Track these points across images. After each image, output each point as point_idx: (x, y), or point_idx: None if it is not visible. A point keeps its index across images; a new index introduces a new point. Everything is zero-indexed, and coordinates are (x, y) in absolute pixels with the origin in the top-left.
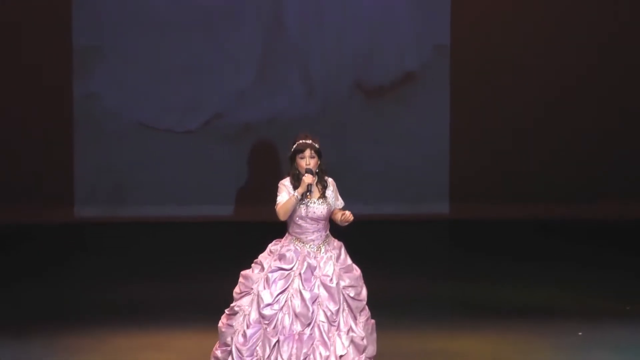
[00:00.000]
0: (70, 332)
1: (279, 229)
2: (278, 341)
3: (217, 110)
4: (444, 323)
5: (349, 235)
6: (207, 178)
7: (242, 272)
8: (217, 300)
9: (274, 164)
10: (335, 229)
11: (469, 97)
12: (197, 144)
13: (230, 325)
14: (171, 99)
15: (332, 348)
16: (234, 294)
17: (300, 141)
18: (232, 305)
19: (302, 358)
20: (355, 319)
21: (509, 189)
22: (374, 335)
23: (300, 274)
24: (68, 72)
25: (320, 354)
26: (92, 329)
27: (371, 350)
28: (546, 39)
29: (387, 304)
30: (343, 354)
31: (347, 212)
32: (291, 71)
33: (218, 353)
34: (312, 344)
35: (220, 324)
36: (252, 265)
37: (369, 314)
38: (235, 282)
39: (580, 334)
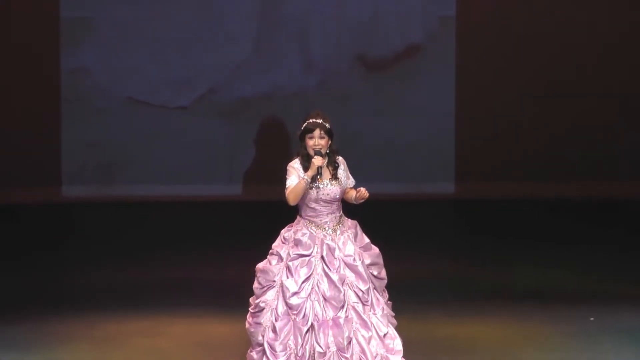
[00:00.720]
0: (58, 318)
1: (277, 208)
2: (312, 328)
3: (211, 84)
4: (449, 307)
5: (348, 215)
6: (201, 156)
7: (258, 266)
8: (211, 284)
9: (271, 141)
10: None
11: (476, 71)
12: (191, 120)
13: (259, 323)
14: (164, 73)
15: (373, 329)
16: (255, 290)
17: (311, 120)
18: (255, 302)
19: (345, 343)
20: (380, 297)
21: (516, 167)
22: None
23: (322, 257)
24: (56, 45)
25: (362, 336)
26: (81, 314)
27: (391, 330)
28: (555, 10)
29: (389, 287)
30: (386, 332)
31: (362, 189)
32: (289, 43)
33: (254, 355)
34: (352, 326)
35: (247, 324)
36: (268, 257)
37: (387, 295)
38: (230, 264)
39: (592, 319)
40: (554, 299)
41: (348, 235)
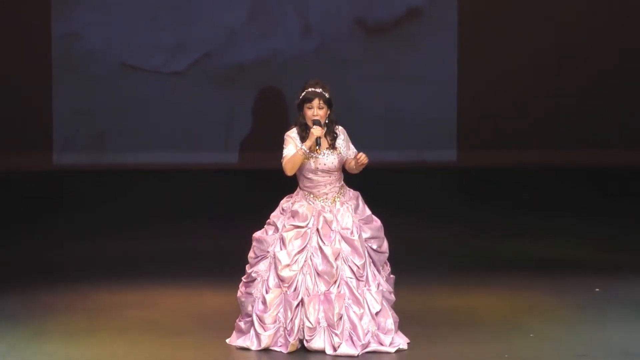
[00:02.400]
0: (50, 289)
1: (274, 177)
2: (302, 303)
3: (206, 49)
4: (452, 278)
5: (347, 184)
6: (196, 123)
7: (255, 235)
8: (207, 254)
9: (267, 108)
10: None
11: (479, 36)
12: (185, 86)
13: (250, 294)
14: (157, 37)
15: (366, 305)
16: (249, 259)
17: (310, 89)
18: (248, 271)
19: (335, 319)
20: (379, 273)
21: (520, 135)
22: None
23: (318, 229)
24: (46, 9)
25: (354, 312)
26: (73, 285)
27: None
28: None
29: (390, 258)
30: (378, 310)
31: (361, 155)
32: (286, 7)
33: (241, 325)
34: (344, 302)
35: (239, 293)
36: (265, 226)
37: (390, 268)
38: (226, 234)
39: (597, 290)
40: (559, 270)
41: (348, 207)
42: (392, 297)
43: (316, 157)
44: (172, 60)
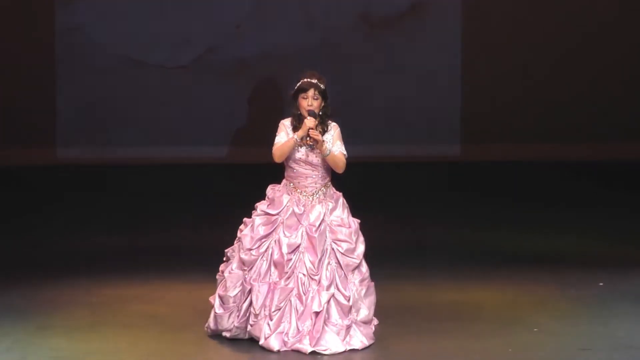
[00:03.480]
0: (54, 283)
1: (276, 172)
2: (251, 289)
3: (210, 44)
4: (455, 272)
5: (350, 178)
6: (199, 117)
7: (244, 219)
8: (210, 248)
9: (271, 102)
10: (337, 177)
11: (482, 29)
12: (189, 80)
13: (222, 272)
14: (162, 31)
15: (309, 303)
16: (235, 242)
17: (305, 80)
18: (225, 251)
19: (273, 309)
20: (344, 277)
21: (524, 129)
22: (371, 297)
23: (283, 220)
24: (50, 3)
25: (295, 307)
26: (76, 280)
27: (364, 314)
28: None
29: (392, 252)
30: (318, 310)
31: (313, 130)
32: (289, 1)
33: (211, 300)
34: (288, 295)
35: (219, 272)
36: (252, 212)
37: (367, 274)
38: (230, 228)
39: (601, 284)
40: (563, 264)
41: (323, 205)
42: (349, 303)
43: (302, 148)
44: (175, 55)
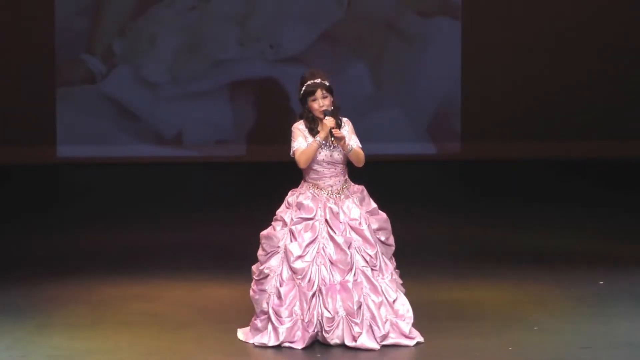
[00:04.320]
0: (54, 281)
1: (281, 169)
2: (320, 292)
3: (214, 43)
4: (455, 270)
5: (352, 176)
6: (201, 116)
7: (263, 233)
8: (211, 247)
9: (275, 102)
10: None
11: (481, 31)
12: (190, 78)
13: (263, 290)
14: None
15: (382, 293)
16: (259, 257)
17: (309, 82)
18: (260, 268)
19: (355, 307)
20: (386, 264)
21: (524, 127)
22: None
23: (326, 220)
24: (50, 4)
25: (373, 301)
26: (76, 278)
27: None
28: None
29: (394, 251)
30: (395, 298)
31: (336, 130)
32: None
33: (257, 323)
34: (362, 290)
35: (251, 292)
36: (273, 223)
37: (395, 263)
38: (231, 227)
39: (601, 283)
40: (563, 263)
41: (353, 200)
42: (403, 289)
43: (322, 149)
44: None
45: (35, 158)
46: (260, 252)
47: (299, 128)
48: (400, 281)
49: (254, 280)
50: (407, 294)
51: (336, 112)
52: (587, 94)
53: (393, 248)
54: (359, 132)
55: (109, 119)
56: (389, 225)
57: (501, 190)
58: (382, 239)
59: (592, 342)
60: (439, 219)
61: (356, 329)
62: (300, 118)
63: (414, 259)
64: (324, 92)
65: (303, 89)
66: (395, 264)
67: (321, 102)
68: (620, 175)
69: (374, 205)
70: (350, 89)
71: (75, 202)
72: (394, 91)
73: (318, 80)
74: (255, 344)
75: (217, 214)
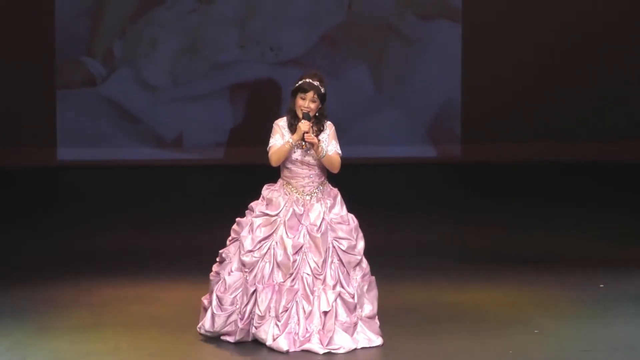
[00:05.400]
0: (53, 283)
1: (271, 173)
2: (256, 290)
3: (208, 48)
4: (455, 273)
5: (353, 179)
6: (196, 120)
7: (237, 219)
8: (210, 249)
9: (267, 103)
10: (334, 176)
11: (482, 34)
12: (184, 83)
13: (218, 273)
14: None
15: (316, 303)
16: (227, 242)
17: (307, 80)
18: (220, 252)
19: (280, 310)
20: (347, 274)
21: (524, 129)
22: (374, 292)
23: (285, 221)
24: (50, 5)
25: (303, 308)
26: (76, 280)
27: (369, 309)
28: None
29: (392, 253)
30: (327, 310)
31: (309, 134)
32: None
33: (205, 302)
34: (294, 296)
35: (211, 273)
36: (246, 211)
37: (367, 270)
38: (227, 228)
39: (602, 285)
40: (564, 265)
41: (322, 204)
42: (354, 300)
43: (298, 150)
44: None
45: (35, 160)
46: (229, 237)
47: (279, 124)
48: (353, 292)
49: (216, 261)
50: (406, 295)
51: (321, 119)
52: (589, 96)
53: (358, 257)
54: (360, 135)
55: (109, 122)
56: (354, 234)
57: (501, 193)
58: (344, 247)
59: (593, 345)
60: (439, 222)
61: (275, 331)
62: (287, 114)
63: (414, 261)
64: (315, 96)
65: (299, 82)
66: (367, 270)
67: (308, 103)
68: (621, 178)
69: (344, 212)
70: (351, 92)
71: (76, 205)
72: (394, 94)
73: (316, 83)
74: (199, 332)
75: (217, 216)
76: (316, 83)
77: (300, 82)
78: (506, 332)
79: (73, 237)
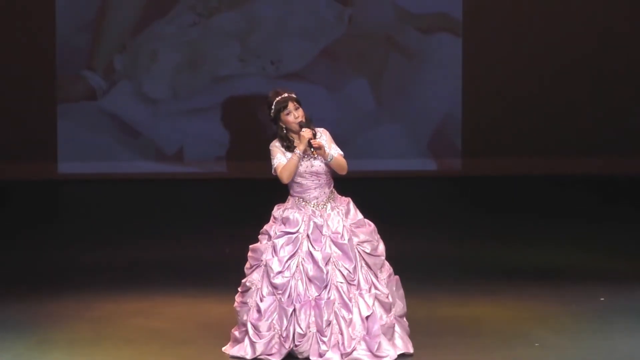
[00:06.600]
0: (54, 298)
1: (268, 185)
2: (294, 310)
3: (205, 60)
4: (455, 286)
5: (353, 192)
6: (201, 131)
7: (251, 246)
8: (211, 263)
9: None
10: (341, 187)
11: (482, 47)
12: (183, 96)
13: (245, 303)
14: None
15: (355, 309)
16: (245, 270)
17: (278, 98)
18: (243, 281)
19: (324, 325)
20: (376, 276)
21: (524, 143)
22: (401, 291)
23: (308, 235)
24: (51, 18)
25: (343, 317)
26: (76, 294)
27: (400, 307)
28: None
29: (393, 266)
30: (369, 314)
31: (315, 140)
32: (291, 16)
33: (236, 334)
34: (333, 307)
35: (235, 304)
36: (259, 236)
37: (391, 269)
38: (230, 243)
39: (602, 299)
40: (564, 279)
41: (338, 212)
42: (389, 300)
43: (304, 161)
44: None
45: (36, 174)
46: (246, 265)
47: (276, 145)
48: (387, 292)
49: (238, 291)
50: (408, 310)
51: (310, 123)
52: (590, 110)
53: (382, 257)
54: (360, 148)
55: (110, 135)
56: (375, 236)
57: (502, 207)
58: (368, 250)
59: (593, 358)
60: (439, 235)
61: (323, 347)
62: (274, 138)
63: (414, 274)
64: (295, 104)
65: (274, 106)
66: (390, 271)
67: (295, 114)
68: (621, 192)
69: (360, 216)
70: (351, 105)
71: (76, 218)
72: (394, 107)
73: (286, 95)
74: (233, 355)
75: (218, 230)
76: (286, 94)
77: (274, 104)
78: (507, 345)
79: (73, 251)
